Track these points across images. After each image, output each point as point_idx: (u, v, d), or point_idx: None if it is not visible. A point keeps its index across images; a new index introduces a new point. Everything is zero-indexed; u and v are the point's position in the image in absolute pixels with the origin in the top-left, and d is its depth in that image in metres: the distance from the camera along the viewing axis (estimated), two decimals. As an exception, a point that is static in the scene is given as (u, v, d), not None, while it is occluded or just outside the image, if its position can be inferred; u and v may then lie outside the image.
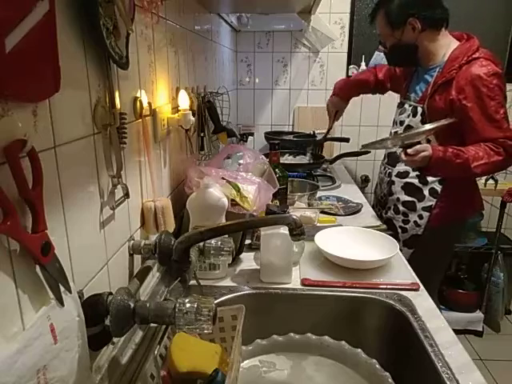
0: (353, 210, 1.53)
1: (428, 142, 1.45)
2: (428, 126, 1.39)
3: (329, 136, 2.17)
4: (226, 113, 1.67)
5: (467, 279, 2.42)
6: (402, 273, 1.06)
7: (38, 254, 0.45)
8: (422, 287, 0.99)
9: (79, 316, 0.54)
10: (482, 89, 1.32)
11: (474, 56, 1.36)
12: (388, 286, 0.98)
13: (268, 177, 1.23)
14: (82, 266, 0.61)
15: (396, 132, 1.60)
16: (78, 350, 0.53)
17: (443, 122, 1.37)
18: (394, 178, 1.61)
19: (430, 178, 1.50)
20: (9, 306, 0.44)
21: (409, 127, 1.53)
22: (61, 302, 0.49)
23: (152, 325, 0.77)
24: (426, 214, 1.52)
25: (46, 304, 0.48)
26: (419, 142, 1.40)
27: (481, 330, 2.32)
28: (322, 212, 1.49)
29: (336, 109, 1.91)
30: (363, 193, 1.85)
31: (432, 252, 1.55)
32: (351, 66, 2.51)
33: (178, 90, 1.11)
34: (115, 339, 0.68)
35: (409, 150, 1.36)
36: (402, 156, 1.38)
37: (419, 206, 1.53)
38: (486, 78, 1.32)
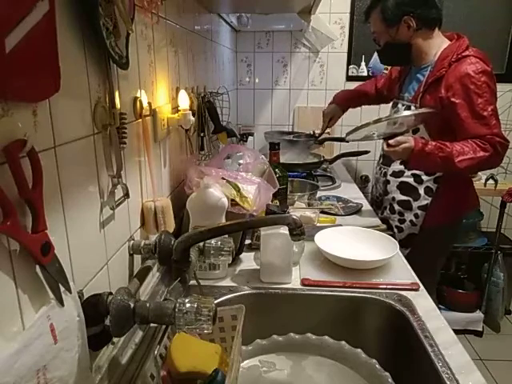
0: (353, 210, 1.54)
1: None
2: (410, 112, 1.41)
3: (328, 136, 2.18)
4: (226, 113, 1.67)
5: (467, 279, 2.42)
6: (402, 273, 1.06)
7: (38, 253, 0.45)
8: (421, 287, 0.99)
9: (79, 316, 0.54)
10: (470, 86, 1.33)
11: (463, 54, 1.38)
12: (388, 286, 0.98)
13: (268, 177, 1.23)
14: (82, 266, 0.61)
15: None
16: (77, 350, 0.53)
17: (425, 109, 1.38)
18: (389, 178, 1.61)
19: (424, 177, 1.50)
20: (9, 305, 0.44)
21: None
22: (61, 301, 0.49)
23: (152, 325, 0.77)
24: (421, 213, 1.52)
25: (46, 304, 0.48)
26: (402, 134, 1.40)
27: (481, 329, 2.32)
28: (322, 212, 1.49)
29: (331, 115, 1.95)
30: (363, 193, 1.85)
31: (428, 251, 1.55)
32: (351, 66, 2.51)
33: (177, 90, 1.11)
34: (115, 339, 0.68)
35: (390, 141, 1.37)
36: (384, 146, 1.39)
37: (415, 205, 1.53)
38: (474, 76, 1.33)
